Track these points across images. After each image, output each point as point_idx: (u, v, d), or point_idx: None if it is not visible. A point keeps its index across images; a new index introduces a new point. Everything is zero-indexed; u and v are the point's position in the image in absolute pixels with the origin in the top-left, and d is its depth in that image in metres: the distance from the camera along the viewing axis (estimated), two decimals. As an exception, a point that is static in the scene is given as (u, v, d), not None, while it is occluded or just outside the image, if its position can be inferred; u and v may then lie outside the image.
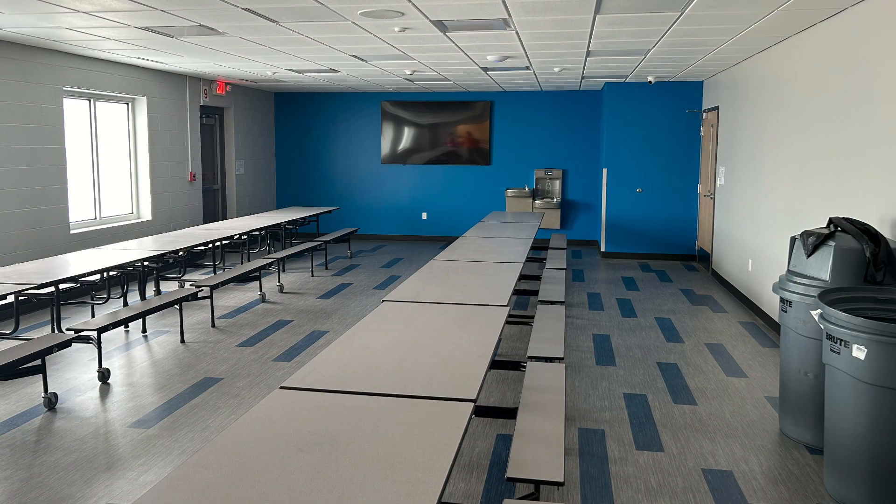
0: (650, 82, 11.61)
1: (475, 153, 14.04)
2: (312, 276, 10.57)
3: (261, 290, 9.02)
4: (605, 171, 12.38)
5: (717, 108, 10.63)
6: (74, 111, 9.33)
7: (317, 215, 11.65)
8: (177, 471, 2.22)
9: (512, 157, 14.01)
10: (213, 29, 7.00)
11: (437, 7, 5.91)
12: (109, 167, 10.05)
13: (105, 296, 7.21)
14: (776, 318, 7.46)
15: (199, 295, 7.65)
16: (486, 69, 10.17)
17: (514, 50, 8.26)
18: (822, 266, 4.51)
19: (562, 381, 4.21)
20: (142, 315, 6.33)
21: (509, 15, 6.20)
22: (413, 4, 5.81)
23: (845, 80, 5.85)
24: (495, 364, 5.30)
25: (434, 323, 4.08)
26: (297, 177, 14.88)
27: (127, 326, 7.54)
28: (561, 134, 13.78)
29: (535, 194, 13.80)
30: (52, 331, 6.45)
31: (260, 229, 9.74)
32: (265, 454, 2.35)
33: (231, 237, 8.82)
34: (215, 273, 9.07)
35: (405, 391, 2.94)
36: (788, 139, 7.22)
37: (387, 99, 14.26)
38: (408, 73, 10.70)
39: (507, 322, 7.34)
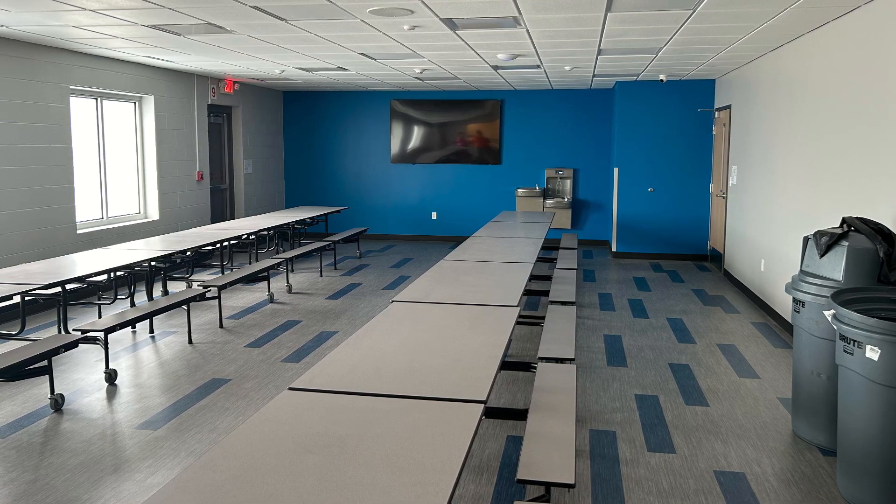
0: (662, 81, 11.57)
1: (485, 152, 14.01)
2: (321, 276, 10.55)
3: (269, 291, 9.00)
4: (616, 170, 12.33)
5: (729, 106, 10.58)
6: (81, 110, 9.33)
7: (325, 215, 11.63)
8: (184, 472, 2.20)
9: (522, 157, 13.97)
10: (221, 27, 6.98)
11: (446, 5, 5.87)
12: (116, 166, 10.04)
13: (112, 296, 7.19)
14: (789, 319, 7.40)
15: (207, 295, 7.63)
16: (496, 67, 10.14)
17: (524, 48, 8.22)
18: (835, 266, 4.47)
19: (572, 383, 4.17)
20: (149, 315, 6.31)
21: (520, 13, 6.16)
22: (423, 2, 5.77)
23: (858, 79, 5.79)
24: (506, 365, 5.27)
25: (444, 323, 4.04)
26: (306, 176, 14.88)
27: (134, 327, 7.53)
28: (572, 133, 13.73)
29: (545, 194, 13.75)
30: (59, 331, 6.43)
31: (268, 229, 9.72)
32: (273, 456, 2.32)
33: (239, 237, 8.81)
34: (223, 273, 9.06)
35: (415, 392, 2.91)
36: (801, 138, 7.16)
37: (396, 98, 14.24)
38: (417, 71, 10.67)
39: (518, 323, 7.31)
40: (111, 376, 5.82)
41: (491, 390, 2.96)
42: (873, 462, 3.76)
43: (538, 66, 9.93)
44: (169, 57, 9.25)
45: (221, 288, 7.44)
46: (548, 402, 3.85)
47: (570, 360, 4.67)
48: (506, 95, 13.87)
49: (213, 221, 12.33)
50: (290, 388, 2.96)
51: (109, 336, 7.14)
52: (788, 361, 6.45)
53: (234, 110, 12.97)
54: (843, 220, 4.61)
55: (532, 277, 8.83)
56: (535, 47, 8.12)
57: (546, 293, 7.71)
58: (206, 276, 10.24)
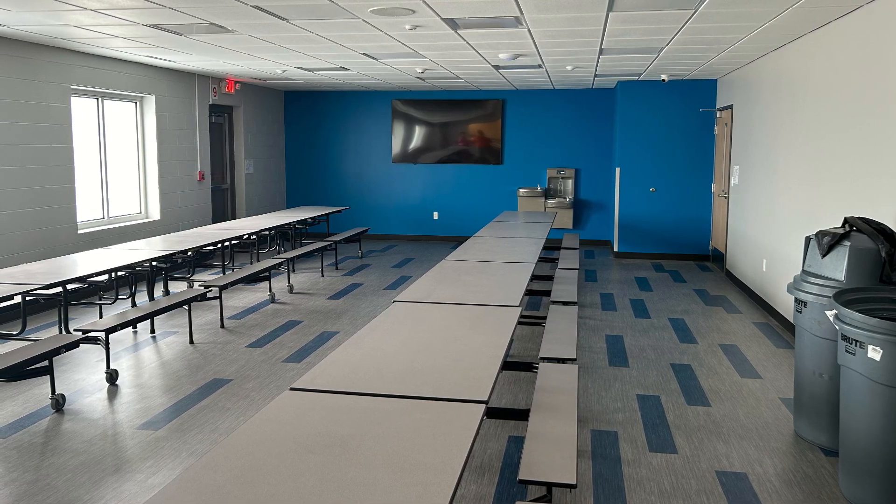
0: (664, 80, 11.56)
1: (487, 152, 14.00)
2: (322, 276, 10.55)
3: (270, 291, 8.99)
4: (618, 170, 12.32)
5: (731, 106, 10.57)
6: (82, 110, 9.32)
7: (327, 215, 11.63)
8: (185, 473, 2.19)
9: (524, 157, 13.96)
10: (222, 27, 6.98)
11: (448, 4, 5.86)
12: (117, 166, 10.04)
13: (113, 296, 7.19)
14: (791, 319, 7.39)
15: (208, 295, 7.63)
16: (497, 67, 10.13)
17: (526, 48, 8.21)
18: (837, 266, 4.46)
19: (574, 383, 4.17)
20: (150, 316, 6.31)
21: (521, 13, 6.15)
22: (424, 2, 5.76)
23: (860, 79, 5.78)
24: (507, 365, 5.26)
25: (445, 323, 4.03)
26: (307, 176, 14.87)
27: (135, 327, 7.52)
28: (573, 133, 13.72)
29: (547, 194, 13.75)
30: (60, 331, 6.43)
31: (269, 229, 9.72)
32: (275, 456, 2.31)
33: (240, 237, 8.80)
34: (224, 273, 9.05)
35: (416, 392, 2.90)
36: (803, 138, 7.15)
37: (398, 97, 14.23)
38: (419, 71, 10.67)
39: (519, 323, 7.30)
40: (112, 376, 5.81)
41: (492, 390, 2.95)
42: (875, 462, 3.75)
43: (540, 66, 9.92)
44: (170, 57, 9.25)
45: (222, 288, 7.44)
46: (549, 402, 3.84)
47: (572, 361, 4.66)
48: (507, 95, 13.86)
49: (215, 221, 12.32)
50: (292, 389, 2.95)
51: (110, 336, 7.14)
52: (790, 361, 6.44)
53: (236, 110, 12.97)
54: (845, 220, 4.60)
55: (534, 277, 8.82)
56: (536, 47, 8.12)
57: (548, 293, 7.70)
58: (207, 276, 10.24)
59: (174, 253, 7.42)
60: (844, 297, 4.11)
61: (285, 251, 11.33)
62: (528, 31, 7.05)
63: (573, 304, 6.21)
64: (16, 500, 3.85)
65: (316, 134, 14.75)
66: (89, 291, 8.96)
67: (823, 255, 4.56)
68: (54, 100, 8.50)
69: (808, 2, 5.68)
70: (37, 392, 5.57)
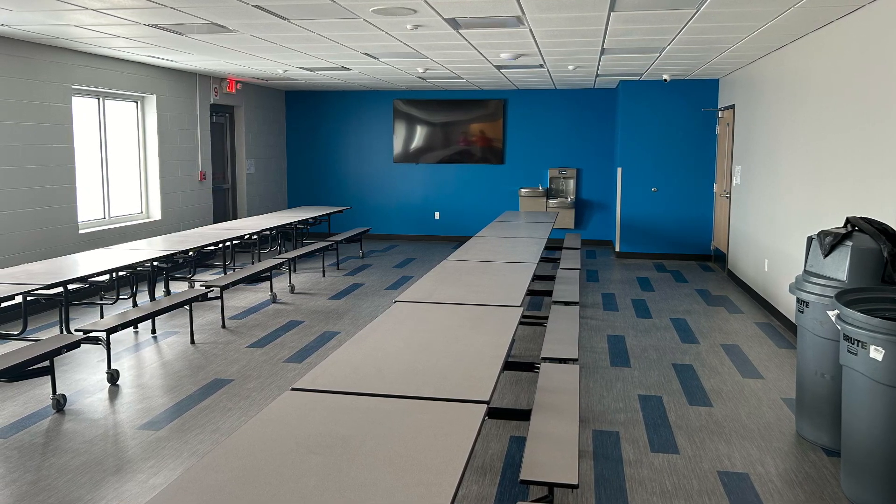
0: (665, 80, 11.54)
1: (488, 152, 13.99)
2: (324, 276, 10.54)
3: (272, 291, 8.99)
4: (619, 170, 12.31)
5: (732, 106, 10.56)
6: (83, 110, 9.32)
7: (328, 215, 11.62)
8: (187, 473, 2.19)
9: (526, 156, 13.95)
10: (223, 26, 6.98)
11: (450, 4, 5.86)
12: (118, 166, 10.04)
13: (114, 296, 7.19)
14: (793, 319, 7.38)
15: (210, 295, 7.62)
16: (499, 67, 10.13)
17: (527, 48, 8.21)
18: (839, 266, 4.45)
19: (576, 383, 4.16)
20: (151, 316, 6.31)
21: (523, 13, 6.15)
22: (426, 2, 5.76)
23: (862, 79, 5.77)
24: (509, 365, 5.25)
25: (447, 324, 4.03)
26: (309, 176, 14.87)
27: (136, 327, 7.52)
28: (575, 133, 13.72)
29: (548, 194, 13.73)
30: (61, 332, 6.43)
31: (271, 229, 9.71)
32: (276, 456, 2.31)
33: (241, 237, 8.80)
34: (225, 273, 9.05)
35: (417, 393, 2.90)
36: (805, 138, 7.14)
37: (399, 97, 14.23)
38: (420, 71, 10.66)
39: (521, 323, 7.29)
40: (113, 377, 5.81)
41: (494, 391, 2.95)
42: (877, 462, 3.74)
43: (541, 66, 9.91)
44: (171, 56, 9.25)
45: (224, 288, 7.43)
46: (551, 402, 3.84)
47: (574, 361, 4.66)
48: (509, 95, 13.85)
49: (216, 221, 12.32)
50: (293, 389, 2.95)
51: (111, 336, 7.14)
52: (792, 362, 6.43)
53: (237, 110, 12.97)
54: (847, 220, 4.59)
55: (535, 277, 8.81)
56: (538, 47, 8.11)
57: (549, 293, 7.69)
58: (208, 276, 10.23)
59: (175, 253, 7.42)
60: (846, 297, 4.10)
61: (286, 251, 11.33)
62: (530, 30, 7.04)
63: (575, 304, 6.21)
64: (17, 501, 3.84)
65: (317, 134, 14.74)
66: (90, 291, 8.96)
67: (825, 255, 4.55)
68: (55, 100, 8.49)
69: (810, 1, 5.67)
70: (38, 392, 5.57)
